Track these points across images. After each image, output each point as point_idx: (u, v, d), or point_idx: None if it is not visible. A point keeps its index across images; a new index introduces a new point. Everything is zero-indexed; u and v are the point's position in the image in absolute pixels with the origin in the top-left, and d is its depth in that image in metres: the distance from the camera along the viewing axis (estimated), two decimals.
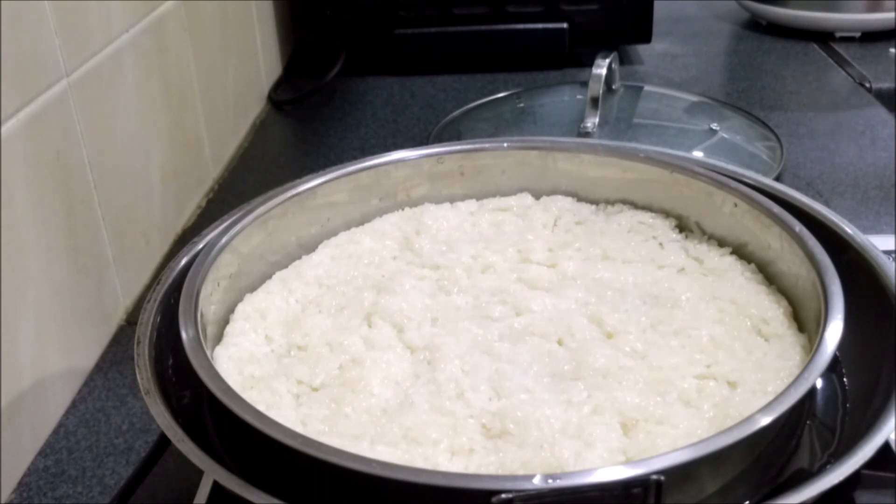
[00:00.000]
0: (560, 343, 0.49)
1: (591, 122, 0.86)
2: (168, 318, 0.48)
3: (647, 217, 0.59)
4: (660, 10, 1.16)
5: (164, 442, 0.49)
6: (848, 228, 0.52)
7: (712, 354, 0.47)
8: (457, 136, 0.93)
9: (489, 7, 1.14)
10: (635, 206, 0.60)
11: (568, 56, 1.16)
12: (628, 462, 0.40)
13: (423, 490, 0.36)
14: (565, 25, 1.14)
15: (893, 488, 0.42)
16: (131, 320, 0.71)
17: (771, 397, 0.41)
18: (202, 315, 0.47)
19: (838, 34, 1.22)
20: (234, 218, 0.54)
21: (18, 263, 0.56)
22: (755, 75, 1.14)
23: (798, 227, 0.51)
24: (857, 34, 1.21)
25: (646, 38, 1.15)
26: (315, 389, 0.46)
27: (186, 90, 0.86)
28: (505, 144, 0.62)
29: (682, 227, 0.58)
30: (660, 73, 1.15)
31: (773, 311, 0.50)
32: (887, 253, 0.50)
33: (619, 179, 0.60)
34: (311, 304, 0.53)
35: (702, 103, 0.96)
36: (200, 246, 0.53)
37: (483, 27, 1.15)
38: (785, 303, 0.51)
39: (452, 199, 0.62)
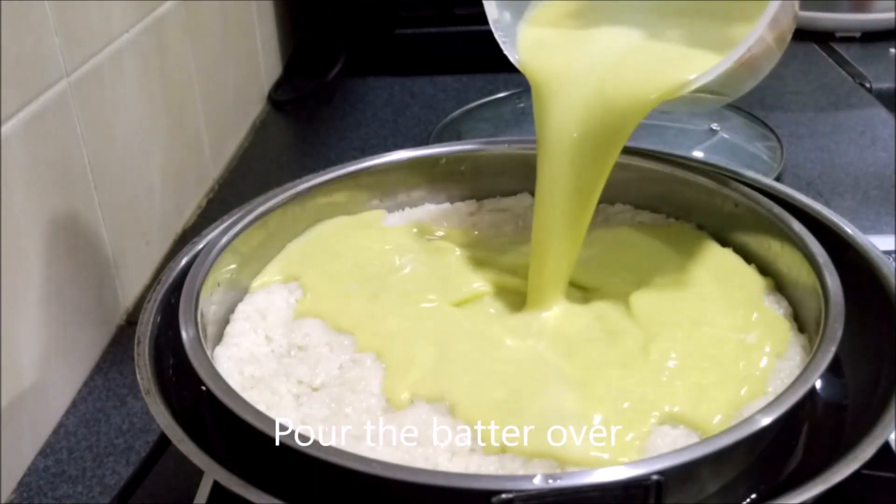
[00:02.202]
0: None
1: None
2: (168, 318, 0.48)
3: (646, 217, 0.59)
4: None
5: (164, 442, 0.49)
6: (848, 228, 0.51)
7: None
8: (457, 136, 0.93)
9: None
10: (635, 206, 0.60)
11: None
12: (628, 462, 0.40)
13: (423, 490, 0.36)
14: None
15: (893, 488, 0.42)
16: (131, 320, 0.71)
17: (771, 397, 0.41)
18: (202, 315, 0.47)
19: (838, 34, 1.21)
20: (234, 218, 0.54)
21: (18, 263, 0.56)
22: None
23: (798, 227, 0.51)
24: (857, 34, 1.21)
25: None
26: (315, 389, 0.46)
27: (186, 90, 0.86)
28: (505, 144, 0.62)
29: None
30: None
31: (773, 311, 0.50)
32: (887, 253, 0.50)
33: (619, 179, 0.59)
34: None
35: None
36: (200, 246, 0.53)
37: (483, 27, 1.13)
38: (785, 303, 0.50)
39: (452, 200, 0.62)
